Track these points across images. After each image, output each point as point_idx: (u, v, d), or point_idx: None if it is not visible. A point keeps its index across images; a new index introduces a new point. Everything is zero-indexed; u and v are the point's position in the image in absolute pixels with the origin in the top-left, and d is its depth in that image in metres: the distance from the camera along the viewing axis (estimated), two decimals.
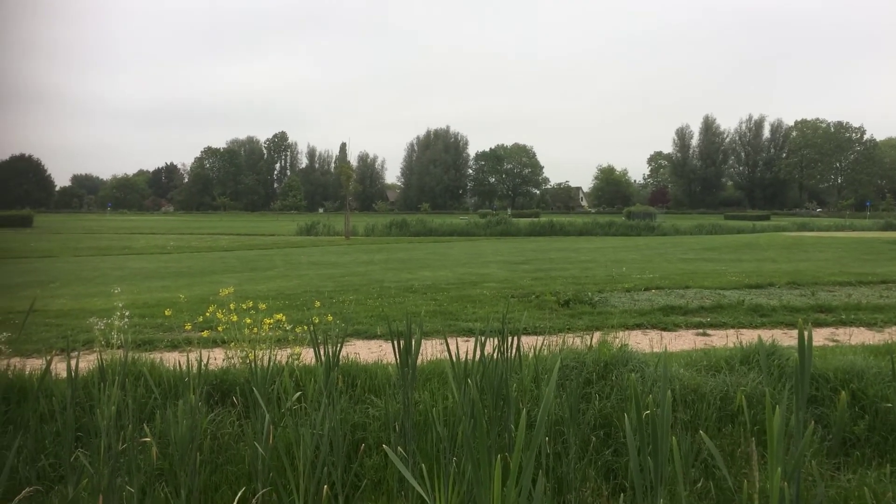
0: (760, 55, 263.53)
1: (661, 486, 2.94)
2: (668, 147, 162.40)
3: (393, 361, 6.53)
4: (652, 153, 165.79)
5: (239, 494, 4.14)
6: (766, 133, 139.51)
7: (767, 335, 8.60)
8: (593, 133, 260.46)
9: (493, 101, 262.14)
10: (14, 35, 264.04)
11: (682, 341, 8.87)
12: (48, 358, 3.58)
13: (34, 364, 6.62)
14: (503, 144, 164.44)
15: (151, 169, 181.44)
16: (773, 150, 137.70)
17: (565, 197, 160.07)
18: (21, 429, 4.19)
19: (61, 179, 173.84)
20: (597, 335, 6.81)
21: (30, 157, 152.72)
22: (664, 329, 9.83)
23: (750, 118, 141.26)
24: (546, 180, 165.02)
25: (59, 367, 5.99)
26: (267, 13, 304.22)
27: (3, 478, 2.14)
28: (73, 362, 3.80)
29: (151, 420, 4.55)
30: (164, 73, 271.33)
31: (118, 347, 5.71)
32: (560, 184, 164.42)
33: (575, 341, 6.85)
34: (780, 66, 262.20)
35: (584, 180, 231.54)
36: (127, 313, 5.86)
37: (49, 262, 24.24)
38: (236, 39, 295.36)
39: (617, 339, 6.83)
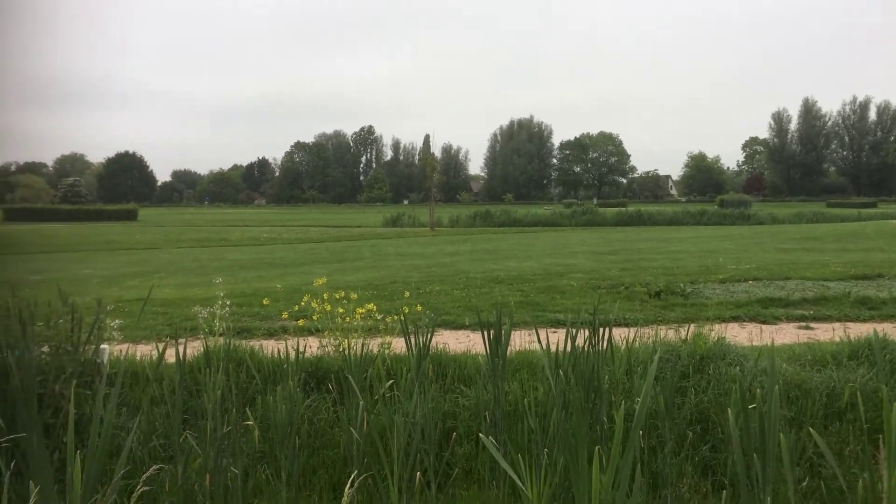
0: (863, 31, 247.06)
1: (768, 484, 2.82)
2: (763, 132, 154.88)
3: (481, 351, 6.56)
4: (747, 139, 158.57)
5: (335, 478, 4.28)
6: (873, 115, 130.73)
7: (878, 329, 8.09)
8: (684, 119, 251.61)
9: (578, 89, 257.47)
10: (116, 38, 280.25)
11: (784, 335, 8.47)
12: (162, 345, 3.78)
13: (143, 350, 7.03)
14: (588, 133, 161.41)
15: (245, 164, 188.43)
16: (880, 134, 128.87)
17: (654, 186, 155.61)
18: (136, 411, 4.46)
19: (162, 175, 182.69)
20: (691, 327, 6.61)
21: (134, 153, 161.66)
22: (763, 322, 9.42)
23: (854, 100, 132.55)
24: (633, 169, 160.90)
25: (161, 352, 6.34)
26: (353, 8, 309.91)
27: (124, 457, 2.27)
28: (181, 349, 4.00)
29: (253, 405, 4.74)
30: (256, 70, 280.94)
31: (220, 335, 5.98)
32: (648, 172, 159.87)
33: (668, 333, 6.67)
34: (887, 42, 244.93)
35: (673, 168, 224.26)
36: (228, 302, 6.12)
37: (153, 253, 25.64)
38: (325, 35, 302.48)
39: (713, 332, 6.61)
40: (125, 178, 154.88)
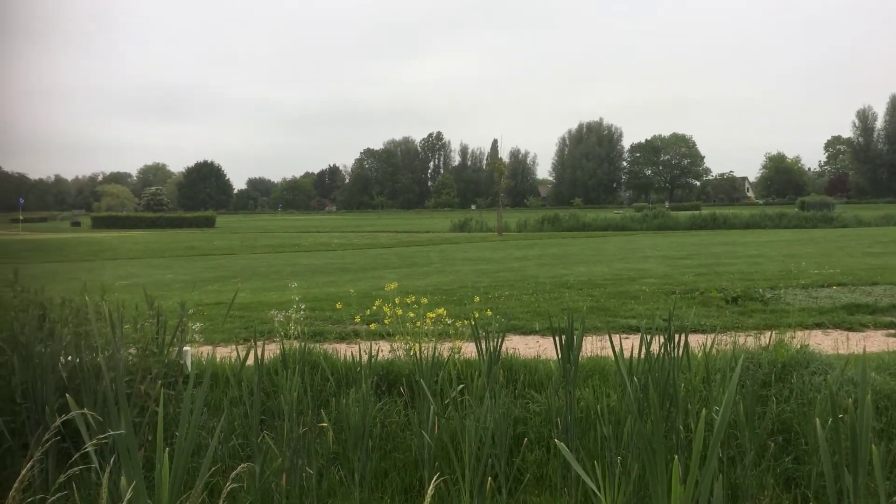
0: None
1: (859, 498, 2.69)
2: (847, 131, 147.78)
3: (552, 357, 6.50)
4: (829, 138, 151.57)
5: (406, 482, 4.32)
6: None
7: None
8: (761, 118, 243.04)
9: (649, 89, 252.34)
10: (192, 50, 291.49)
11: (872, 343, 8.05)
12: (241, 348, 3.90)
13: (222, 352, 7.27)
14: (660, 135, 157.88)
15: (316, 171, 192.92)
16: None
17: (729, 188, 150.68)
18: (216, 411, 4.62)
19: (238, 183, 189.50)
20: (772, 334, 6.36)
21: (212, 162, 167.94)
22: (849, 329, 8.98)
23: None
24: (707, 171, 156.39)
25: (239, 355, 6.54)
26: (423, 14, 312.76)
27: (210, 455, 2.36)
28: (259, 351, 4.12)
29: (326, 407, 4.84)
30: (328, 78, 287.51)
31: (295, 338, 6.13)
32: (723, 174, 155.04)
33: (747, 341, 6.45)
34: None
35: (750, 169, 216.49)
36: (303, 307, 6.27)
37: (230, 259, 26.53)
38: (394, 41, 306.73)
39: (795, 339, 6.35)
40: (203, 186, 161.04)
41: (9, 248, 34.07)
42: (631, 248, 26.85)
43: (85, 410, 3.14)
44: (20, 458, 4.10)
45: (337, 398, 4.91)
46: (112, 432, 2.63)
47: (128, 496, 2.07)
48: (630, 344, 5.91)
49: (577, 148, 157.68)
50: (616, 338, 6.02)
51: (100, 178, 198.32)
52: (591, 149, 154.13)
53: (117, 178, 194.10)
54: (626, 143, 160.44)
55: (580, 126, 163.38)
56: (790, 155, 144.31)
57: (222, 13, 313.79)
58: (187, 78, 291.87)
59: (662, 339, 4.40)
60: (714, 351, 5.76)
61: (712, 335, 7.07)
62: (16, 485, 1.99)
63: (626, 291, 12.36)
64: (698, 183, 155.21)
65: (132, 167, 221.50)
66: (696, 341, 6.56)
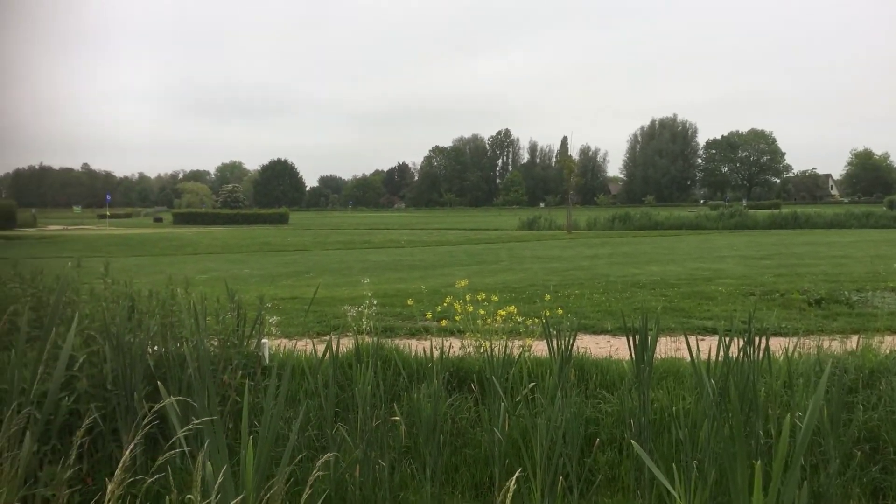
0: None
1: None
2: None
3: (624, 357, 6.39)
4: None
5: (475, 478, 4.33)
6: None
7: None
8: (846, 113, 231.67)
9: (726, 84, 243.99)
10: (267, 52, 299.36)
11: None
12: (316, 341, 4.00)
13: (296, 345, 7.47)
14: (737, 131, 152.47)
15: (386, 169, 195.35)
16: None
17: (811, 185, 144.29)
18: (292, 402, 4.76)
19: (311, 180, 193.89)
20: (859, 339, 6.08)
21: (285, 161, 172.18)
22: None
23: None
24: (788, 168, 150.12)
25: (315, 348, 6.69)
26: (493, 11, 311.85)
27: (291, 443, 2.44)
28: (334, 346, 4.21)
29: (398, 401, 4.90)
30: (398, 76, 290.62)
31: (367, 333, 6.24)
32: (805, 171, 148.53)
33: (832, 345, 6.18)
34: None
35: (834, 166, 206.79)
36: (375, 302, 6.38)
37: (303, 254, 27.18)
38: (463, 38, 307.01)
39: (883, 345, 6.05)
40: (278, 183, 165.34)
41: (97, 243, 35.90)
42: (706, 247, 26.08)
43: (175, 398, 3.28)
44: (110, 442, 4.33)
45: (408, 393, 4.98)
46: (196, 421, 2.74)
47: (219, 480, 2.16)
48: (706, 346, 5.76)
49: (649, 145, 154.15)
50: (692, 339, 5.88)
51: (180, 175, 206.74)
52: (664, 145, 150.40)
53: (197, 175, 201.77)
54: (702, 139, 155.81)
55: (653, 122, 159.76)
56: (878, 151, 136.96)
57: (298, 16, 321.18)
58: (264, 79, 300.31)
59: (741, 342, 4.27)
60: (796, 355, 5.54)
61: (794, 338, 6.81)
62: (120, 465, 2.11)
63: (701, 292, 12.02)
64: (778, 180, 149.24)
65: (211, 165, 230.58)
66: (777, 344, 6.32)
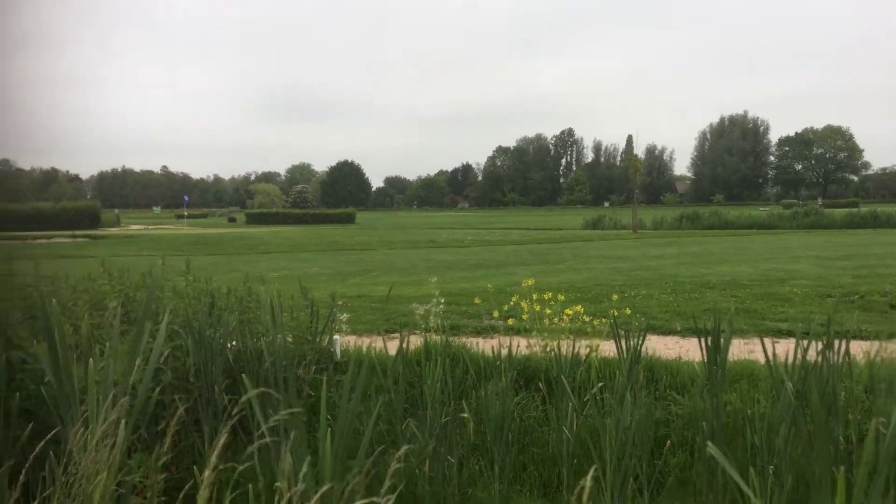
0: None
1: None
2: None
3: (694, 359, 6.27)
4: None
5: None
6: None
7: None
8: None
9: (799, 79, 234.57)
10: (333, 54, 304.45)
11: None
12: (386, 338, 4.09)
13: (364, 342, 7.62)
14: (812, 127, 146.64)
15: (450, 169, 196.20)
16: None
17: (892, 183, 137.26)
18: (365, 398, 4.86)
19: (376, 181, 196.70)
20: None
21: (352, 162, 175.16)
22: None
23: None
24: (866, 165, 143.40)
25: (385, 345, 6.82)
26: (554, 11, 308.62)
27: (368, 437, 2.52)
28: (404, 343, 4.29)
29: (466, 398, 4.96)
30: (462, 78, 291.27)
31: (434, 331, 6.32)
32: (885, 168, 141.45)
33: None
34: None
35: None
36: (442, 300, 6.45)
37: (369, 253, 27.60)
38: (528, 39, 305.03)
39: None
40: (344, 184, 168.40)
41: (176, 242, 37.36)
42: (779, 247, 25.19)
43: (259, 390, 3.41)
44: (192, 432, 4.53)
45: (476, 391, 5.02)
46: (277, 414, 2.86)
47: (303, 470, 2.25)
48: (782, 349, 5.59)
49: (718, 142, 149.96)
50: (773, 342, 5.72)
51: (252, 177, 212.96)
52: (734, 143, 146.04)
53: (268, 177, 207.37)
54: (774, 136, 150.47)
55: (722, 119, 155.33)
56: None
57: (364, 21, 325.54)
58: (332, 83, 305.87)
59: (819, 345, 4.14)
60: (879, 359, 5.33)
61: (876, 342, 6.53)
62: (215, 451, 2.22)
63: (774, 293, 11.64)
64: (856, 178, 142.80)
65: (281, 167, 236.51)
66: (857, 348, 6.09)
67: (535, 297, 6.17)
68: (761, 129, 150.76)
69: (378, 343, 6.74)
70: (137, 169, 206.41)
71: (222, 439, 2.29)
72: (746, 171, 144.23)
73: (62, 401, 2.97)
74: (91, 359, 2.98)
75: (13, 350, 3.94)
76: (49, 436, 3.01)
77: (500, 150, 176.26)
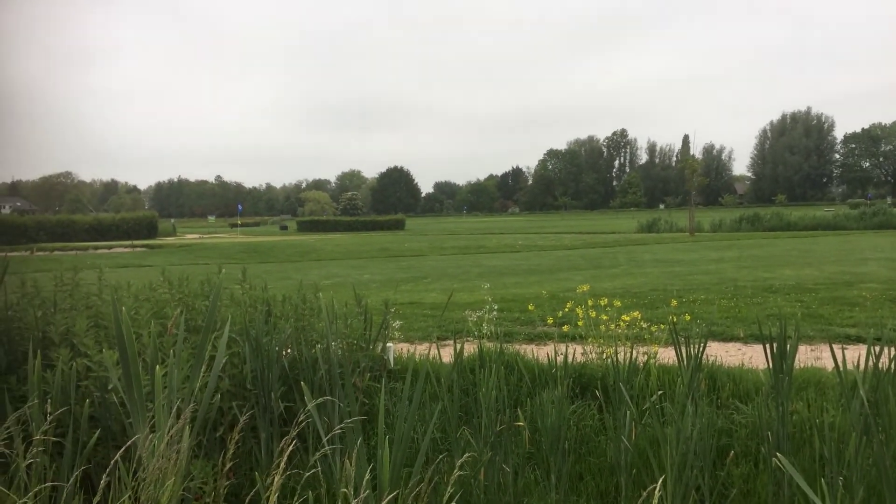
0: None
1: None
2: None
3: (757, 366, 6.08)
4: None
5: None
6: None
7: None
8: None
9: (866, 75, 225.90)
10: (382, 60, 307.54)
11: None
12: (440, 345, 4.07)
13: (418, 349, 7.63)
14: (880, 123, 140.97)
15: (499, 173, 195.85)
16: None
17: None
18: (420, 405, 4.86)
19: (426, 186, 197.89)
20: None
21: (401, 168, 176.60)
22: None
23: None
24: None
25: (438, 352, 6.81)
26: (607, 11, 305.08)
27: (425, 444, 2.51)
28: (458, 350, 4.27)
29: (521, 406, 4.90)
30: (511, 81, 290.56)
31: (487, 338, 6.29)
32: None
33: None
34: None
35: None
36: (495, 307, 6.41)
37: (420, 260, 27.73)
38: (580, 39, 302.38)
39: None
40: (394, 190, 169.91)
41: (230, 250, 38.27)
42: (846, 248, 24.27)
43: (314, 399, 3.45)
44: (250, 438, 4.60)
45: (531, 399, 4.96)
46: (336, 422, 2.88)
47: (365, 478, 2.25)
48: (851, 356, 5.35)
49: (779, 141, 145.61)
50: (842, 349, 5.50)
51: (303, 185, 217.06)
52: (796, 141, 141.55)
53: (318, 184, 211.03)
54: (839, 133, 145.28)
55: (783, 117, 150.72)
56: None
57: (417, 26, 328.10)
58: (382, 89, 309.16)
59: (892, 351, 3.96)
60: None
61: None
62: (283, 458, 2.25)
63: (842, 297, 11.20)
64: None
65: (331, 174, 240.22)
66: None
67: (590, 302, 6.07)
68: (825, 125, 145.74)
69: (431, 351, 6.74)
70: (192, 179, 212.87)
71: (289, 447, 2.31)
72: (810, 169, 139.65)
73: (131, 408, 3.06)
74: (157, 366, 3.05)
75: (80, 358, 4.07)
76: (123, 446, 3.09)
77: (552, 153, 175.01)
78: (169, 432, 2.54)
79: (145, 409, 3.05)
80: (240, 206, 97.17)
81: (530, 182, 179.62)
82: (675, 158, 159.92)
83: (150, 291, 5.47)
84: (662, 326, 6.23)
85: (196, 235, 65.94)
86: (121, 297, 5.07)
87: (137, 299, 5.26)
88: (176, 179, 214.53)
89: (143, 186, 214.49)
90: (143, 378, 3.12)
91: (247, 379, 4.64)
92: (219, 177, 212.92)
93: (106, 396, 3.92)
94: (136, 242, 48.26)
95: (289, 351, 5.03)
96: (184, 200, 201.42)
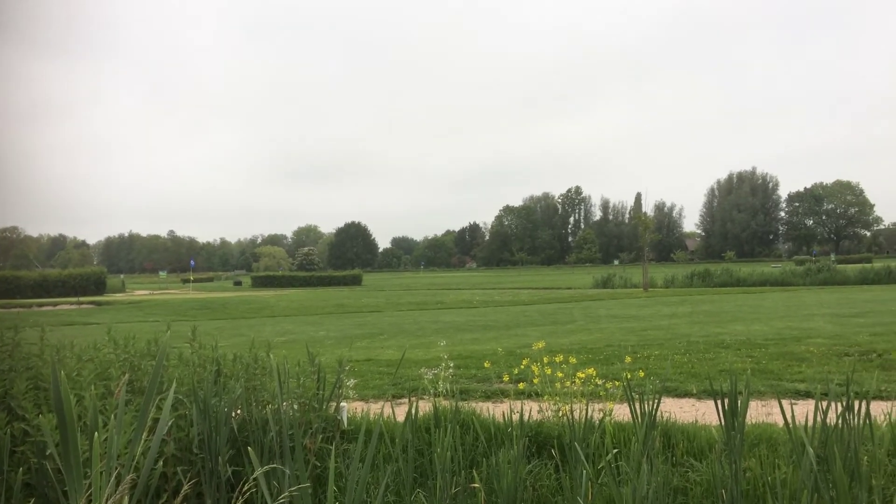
0: None
1: None
2: None
3: (711, 422, 6.12)
4: None
5: None
6: None
7: None
8: None
9: (807, 135, 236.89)
10: (339, 115, 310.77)
11: None
12: (396, 404, 4.00)
13: (373, 408, 7.49)
14: (822, 182, 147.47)
15: (456, 229, 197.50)
16: None
17: None
18: (372, 467, 4.74)
19: (383, 241, 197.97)
20: None
21: (359, 223, 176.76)
22: None
23: None
24: (878, 220, 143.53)
25: (393, 411, 6.69)
26: (559, 72, 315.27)
27: None
28: (413, 410, 4.20)
29: (477, 467, 4.82)
30: (467, 139, 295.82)
31: (443, 396, 6.20)
32: None
33: None
34: None
35: None
36: (451, 364, 6.36)
37: (377, 316, 27.50)
38: (533, 100, 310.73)
39: None
40: (351, 245, 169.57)
41: (181, 307, 37.39)
42: (793, 304, 24.96)
43: (263, 465, 3.33)
44: None
45: (487, 458, 4.88)
46: (284, 488, 2.78)
47: None
48: (801, 411, 5.44)
49: (727, 199, 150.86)
50: (784, 404, 5.57)
51: (259, 240, 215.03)
52: (743, 199, 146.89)
53: (274, 239, 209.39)
54: (783, 192, 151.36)
55: (730, 176, 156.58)
56: None
57: (370, 82, 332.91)
58: (339, 145, 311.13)
59: (839, 407, 4.03)
60: None
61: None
62: None
63: (790, 352, 11.45)
64: (868, 233, 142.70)
65: (288, 229, 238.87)
66: (878, 409, 5.93)
67: (545, 359, 6.07)
68: (770, 184, 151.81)
69: (386, 409, 6.62)
70: (144, 234, 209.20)
71: None
72: (757, 227, 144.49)
73: (67, 475, 2.90)
74: (96, 432, 2.92)
75: (16, 422, 3.87)
76: None
77: (508, 210, 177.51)
78: (107, 501, 2.41)
79: (82, 476, 2.90)
80: (192, 262, 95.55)
81: (487, 238, 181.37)
82: (628, 215, 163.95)
83: (94, 351, 5.27)
84: (617, 383, 6.25)
85: (146, 291, 64.38)
86: (62, 358, 4.87)
87: (80, 360, 5.06)
88: (127, 234, 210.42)
89: (92, 241, 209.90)
90: (82, 443, 2.98)
91: (193, 443, 4.47)
92: (171, 231, 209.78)
93: (44, 462, 3.73)
94: (82, 299, 46.86)
95: (238, 412, 4.87)
96: (134, 256, 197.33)
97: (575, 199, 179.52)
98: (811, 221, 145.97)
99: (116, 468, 2.77)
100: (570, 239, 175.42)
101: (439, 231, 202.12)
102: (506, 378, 7.10)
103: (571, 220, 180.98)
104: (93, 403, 3.14)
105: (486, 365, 8.04)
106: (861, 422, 4.05)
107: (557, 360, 6.17)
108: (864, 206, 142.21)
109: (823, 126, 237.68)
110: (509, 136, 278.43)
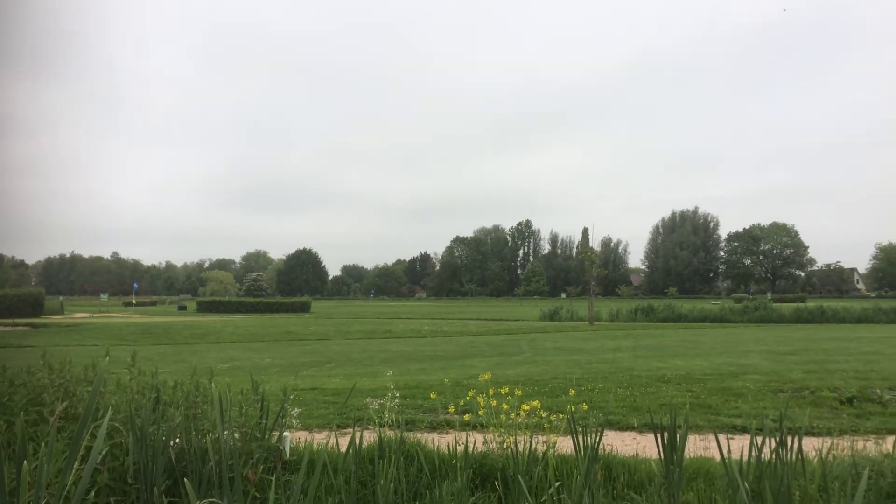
0: None
1: None
2: None
3: (651, 455, 6.22)
4: None
5: None
6: None
7: None
8: (870, 207, 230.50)
9: (747, 178, 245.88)
10: (291, 142, 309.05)
11: None
12: (340, 434, 3.96)
13: (316, 437, 7.37)
14: (759, 224, 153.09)
15: (407, 258, 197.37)
16: None
17: (837, 279, 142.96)
18: (315, 499, 4.65)
19: (333, 269, 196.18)
20: (895, 440, 5.87)
21: (309, 250, 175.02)
22: None
23: None
24: (812, 261, 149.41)
25: (336, 441, 6.60)
26: (512, 110, 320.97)
27: None
28: (356, 440, 4.17)
29: (421, 499, 4.79)
30: (420, 170, 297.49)
31: (388, 426, 6.16)
32: (830, 265, 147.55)
33: (866, 446, 5.97)
34: None
35: (859, 260, 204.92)
36: (397, 394, 6.33)
37: (325, 344, 27.14)
38: (485, 135, 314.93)
39: None
40: (301, 272, 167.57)
41: (122, 331, 36.22)
42: (731, 340, 25.66)
43: (200, 498, 3.25)
44: None
45: (431, 491, 4.86)
46: None
47: None
48: (737, 445, 5.59)
49: (670, 237, 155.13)
50: (721, 438, 5.72)
51: (206, 264, 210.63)
52: (685, 237, 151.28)
53: (222, 264, 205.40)
54: (723, 232, 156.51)
55: (673, 215, 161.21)
56: None
57: (323, 113, 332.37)
58: (290, 171, 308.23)
59: (773, 442, 4.17)
60: (831, 456, 5.37)
61: (828, 439, 6.60)
62: None
63: (728, 388, 11.75)
64: (802, 274, 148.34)
65: (237, 254, 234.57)
66: (810, 445, 6.14)
67: (491, 391, 6.10)
68: (711, 224, 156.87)
69: (331, 440, 6.53)
70: (87, 255, 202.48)
71: None
72: (698, 265, 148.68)
73: None
74: (25, 460, 2.81)
75: None
76: None
77: (458, 241, 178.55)
78: None
79: None
80: (136, 285, 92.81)
81: (437, 268, 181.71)
82: (575, 249, 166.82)
83: (27, 376, 5.08)
84: (561, 416, 6.32)
85: (86, 314, 62.16)
86: None
87: (12, 384, 4.87)
88: (68, 255, 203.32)
89: (30, 261, 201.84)
90: (9, 472, 2.87)
91: (128, 472, 4.33)
92: (115, 253, 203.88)
93: None
94: (18, 321, 44.95)
95: (177, 441, 4.74)
96: (75, 277, 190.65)
97: (525, 232, 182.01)
98: (749, 261, 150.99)
99: (45, 498, 2.67)
100: (519, 271, 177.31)
101: (390, 260, 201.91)
102: (451, 409, 7.09)
103: (521, 252, 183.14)
104: (21, 430, 3.03)
105: (432, 395, 8.02)
106: (794, 457, 4.19)
107: (503, 391, 6.21)
108: (799, 247, 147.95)
109: (762, 171, 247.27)
110: (464, 169, 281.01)
